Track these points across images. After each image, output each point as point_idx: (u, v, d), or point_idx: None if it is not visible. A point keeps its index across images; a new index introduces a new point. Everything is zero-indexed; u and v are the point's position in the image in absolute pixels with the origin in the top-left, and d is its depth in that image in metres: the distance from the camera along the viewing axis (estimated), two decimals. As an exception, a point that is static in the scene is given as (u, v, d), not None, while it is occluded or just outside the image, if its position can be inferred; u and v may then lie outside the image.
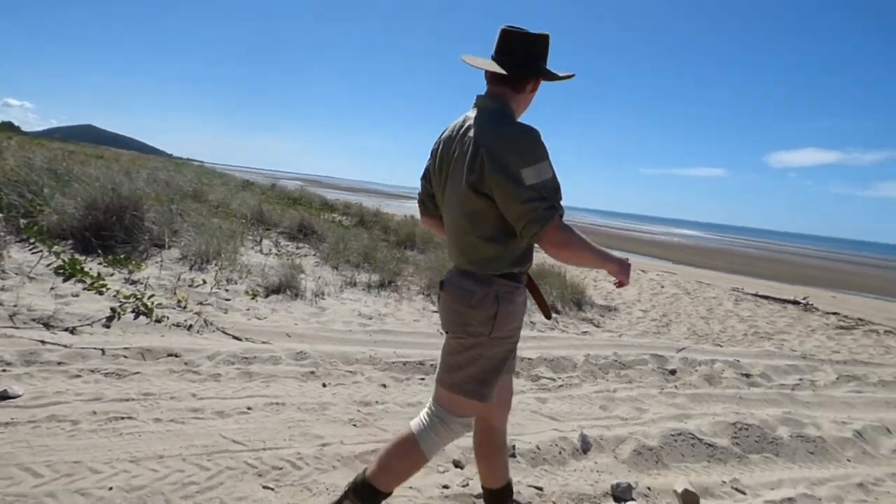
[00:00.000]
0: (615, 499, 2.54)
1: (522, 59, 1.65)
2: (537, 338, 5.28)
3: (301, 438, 2.46)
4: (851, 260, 42.62)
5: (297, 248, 7.30)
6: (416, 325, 5.00)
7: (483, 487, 2.05)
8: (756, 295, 11.86)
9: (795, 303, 11.25)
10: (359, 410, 2.88)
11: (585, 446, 3.01)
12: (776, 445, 3.48)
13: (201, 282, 4.73)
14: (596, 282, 11.18)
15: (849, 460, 3.54)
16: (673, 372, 4.92)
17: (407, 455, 1.71)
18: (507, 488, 2.04)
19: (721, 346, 6.55)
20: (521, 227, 1.54)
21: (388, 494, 1.74)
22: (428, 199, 1.93)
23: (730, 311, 9.35)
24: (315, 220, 8.88)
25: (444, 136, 1.78)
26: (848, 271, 28.46)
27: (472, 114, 1.70)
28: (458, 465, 2.57)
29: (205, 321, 3.88)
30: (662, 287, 11.45)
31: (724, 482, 2.92)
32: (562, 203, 1.57)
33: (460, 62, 1.71)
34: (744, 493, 2.86)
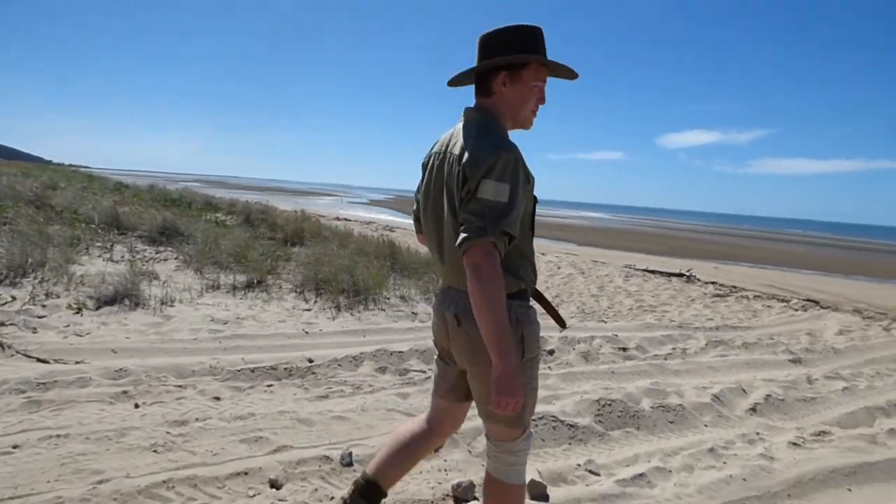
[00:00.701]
0: (456, 500, 2.33)
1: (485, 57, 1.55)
2: (415, 329, 5.05)
3: (72, 477, 2.03)
4: (732, 233, 46.53)
5: (158, 252, 6.60)
6: (279, 326, 4.60)
7: (368, 480, 1.83)
8: (645, 270, 12.42)
9: (680, 275, 11.89)
10: (168, 433, 2.47)
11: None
12: (638, 419, 3.46)
13: (9, 298, 4.04)
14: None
15: (706, 425, 3.60)
16: (551, 352, 4.87)
17: (506, 495, 1.65)
18: (383, 493, 1.87)
19: (605, 321, 6.66)
20: (459, 238, 1.44)
21: None
22: (422, 216, 1.79)
23: (619, 288, 9.65)
24: (185, 221, 8.13)
25: (433, 150, 1.69)
26: (729, 243, 30.94)
27: (459, 126, 1.61)
28: (273, 485, 2.25)
29: (1, 344, 3.27)
30: (559, 268, 11.68)
31: (580, 465, 2.81)
32: (506, 234, 1.44)
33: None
34: (598, 474, 2.76)
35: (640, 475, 2.73)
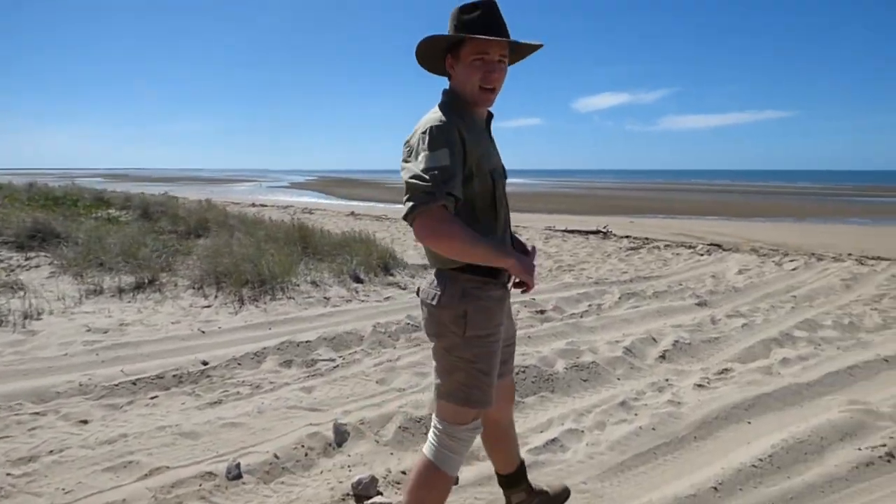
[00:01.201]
0: (357, 499, 2.17)
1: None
2: (326, 315, 4.80)
3: None
4: (645, 188, 48.94)
5: (27, 258, 5.89)
6: (172, 329, 4.21)
7: (498, 474, 2.06)
8: (564, 231, 12.69)
9: (596, 232, 12.24)
10: (9, 475, 2.12)
11: (340, 438, 2.61)
12: (552, 382, 3.44)
13: None
14: (417, 243, 11.06)
15: (618, 379, 3.64)
16: (468, 323, 4.79)
17: (431, 483, 1.61)
18: (521, 468, 2.06)
19: (524, 285, 6.69)
20: (405, 210, 1.46)
21: None
22: None
23: (540, 251, 9.78)
24: (67, 221, 7.33)
25: None
26: (642, 198, 32.48)
27: None
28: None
29: None
30: (480, 237, 11.70)
31: (492, 438, 2.73)
32: (450, 191, 1.44)
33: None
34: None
35: (553, 440, 2.69)
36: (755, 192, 40.29)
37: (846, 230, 15.34)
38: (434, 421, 1.66)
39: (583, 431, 2.80)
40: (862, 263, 8.16)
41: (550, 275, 7.65)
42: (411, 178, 1.44)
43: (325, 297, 5.46)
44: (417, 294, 1.69)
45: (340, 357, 3.86)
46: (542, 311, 5.28)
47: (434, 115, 1.54)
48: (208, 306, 4.87)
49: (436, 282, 1.61)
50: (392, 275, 7.02)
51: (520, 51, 1.68)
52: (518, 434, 2.75)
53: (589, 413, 3.05)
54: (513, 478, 2.02)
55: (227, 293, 5.16)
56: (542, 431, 2.85)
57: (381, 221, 14.66)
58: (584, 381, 3.53)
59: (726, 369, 3.80)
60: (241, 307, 4.93)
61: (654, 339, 4.33)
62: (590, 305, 5.60)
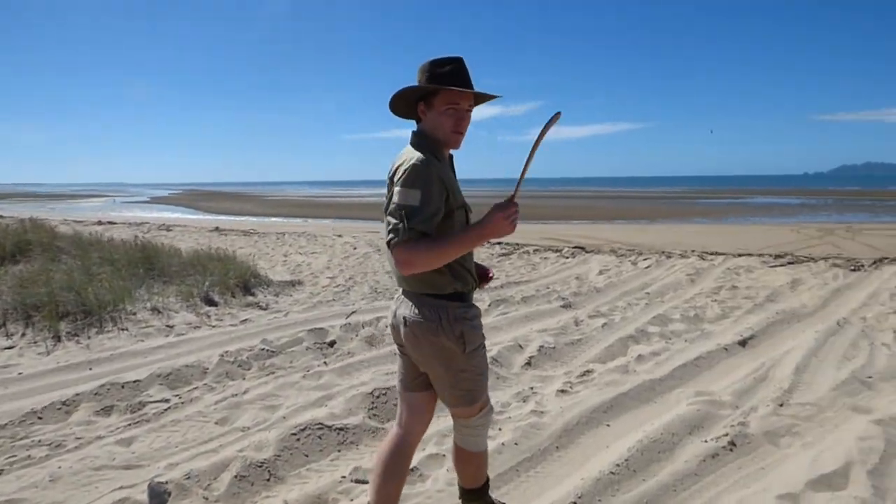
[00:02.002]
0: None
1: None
2: (166, 346, 4.20)
3: None
4: (522, 194, 51.23)
5: None
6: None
7: (460, 487, 2.11)
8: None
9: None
10: None
11: (157, 501, 2.17)
12: (415, 402, 3.22)
13: None
14: (286, 256, 10.42)
15: (485, 391, 3.53)
16: (332, 343, 4.45)
17: (473, 461, 1.98)
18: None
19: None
20: (386, 239, 1.66)
21: (486, 484, 2.07)
22: None
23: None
24: None
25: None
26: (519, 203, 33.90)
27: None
28: None
29: None
30: (355, 249, 11.31)
31: (345, 477, 2.45)
32: (422, 233, 1.61)
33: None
34: (366, 481, 2.42)
35: (412, 470, 2.46)
36: (616, 197, 44.00)
37: (691, 229, 17.12)
38: (455, 422, 1.95)
39: (444, 455, 2.61)
40: (703, 259, 9.02)
41: (425, 285, 7.52)
42: (390, 212, 1.66)
43: (167, 326, 4.80)
44: (393, 318, 1.86)
45: (177, 396, 3.34)
46: (412, 325, 5.09)
47: (415, 155, 1.70)
48: (10, 347, 4.04)
49: (427, 311, 1.76)
50: (253, 294, 6.45)
51: (479, 98, 1.86)
52: (370, 468, 2.50)
53: (451, 433, 2.87)
54: (473, 494, 2.10)
55: (38, 329, 4.34)
56: (401, 460, 2.62)
57: (249, 236, 13.71)
58: (450, 397, 3.36)
59: (588, 371, 3.86)
60: (55, 345, 4.15)
61: (520, 346, 4.31)
62: (461, 315, 5.52)
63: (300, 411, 3.06)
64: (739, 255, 9.29)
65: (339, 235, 13.75)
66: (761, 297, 6.16)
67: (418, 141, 1.77)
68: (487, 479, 2.08)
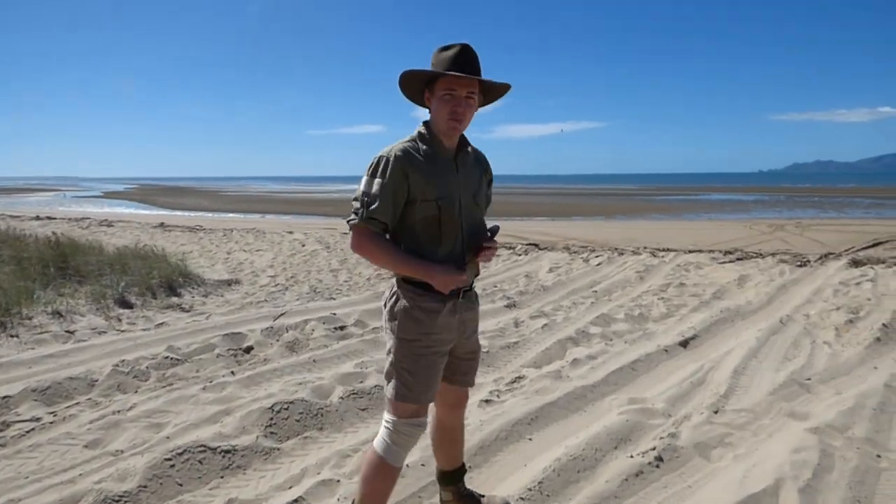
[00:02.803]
0: None
1: None
2: (57, 355, 3.76)
3: None
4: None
5: None
6: None
7: (437, 469, 2.15)
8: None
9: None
10: None
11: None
12: (322, 417, 2.91)
13: None
14: (230, 254, 9.92)
15: (405, 402, 3.23)
16: (248, 350, 4.09)
17: (378, 472, 1.79)
18: (458, 470, 2.13)
19: (335, 298, 6.13)
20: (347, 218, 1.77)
21: None
22: None
23: (362, 259, 9.27)
24: None
25: None
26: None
27: None
28: None
29: None
30: (304, 246, 10.87)
31: (217, 511, 2.12)
32: (373, 216, 1.70)
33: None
34: (242, 515, 2.10)
35: (295, 501, 2.15)
36: (576, 194, 44.39)
37: (647, 225, 17.23)
38: (384, 415, 1.83)
39: (338, 481, 2.30)
40: (655, 255, 8.94)
41: (368, 283, 7.19)
42: (354, 197, 1.74)
43: (66, 332, 4.34)
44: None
45: (51, 414, 2.93)
46: (341, 328, 4.76)
47: (395, 146, 1.76)
48: None
49: (391, 287, 1.83)
50: (178, 295, 6.00)
51: (493, 90, 1.84)
52: (254, 497, 2.18)
53: (355, 453, 2.57)
54: (448, 476, 2.12)
55: None
56: (290, 487, 2.30)
57: (195, 233, 13.09)
58: (363, 410, 3.05)
59: (519, 377, 3.61)
60: (-79, 357, 3.67)
61: (451, 350, 4.03)
62: (397, 316, 5.21)
63: (188, 430, 2.71)
64: (690, 252, 9.26)
65: (290, 232, 13.25)
66: (708, 295, 6.06)
67: (420, 130, 1.82)
68: None
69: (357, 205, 1.71)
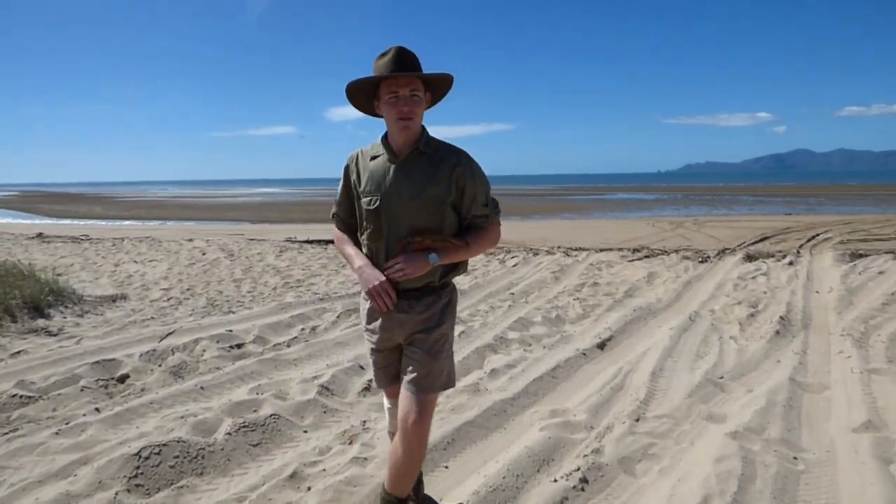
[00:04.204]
0: None
1: None
2: None
3: None
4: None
5: None
6: None
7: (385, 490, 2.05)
8: (306, 241, 11.76)
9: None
10: None
11: None
12: (203, 459, 2.46)
13: None
14: (118, 266, 8.91)
15: (305, 431, 2.85)
16: (123, 379, 3.52)
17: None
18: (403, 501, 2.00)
19: (234, 312, 5.56)
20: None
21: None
22: None
23: (269, 266, 8.66)
24: None
25: None
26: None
27: None
28: None
29: None
30: (204, 254, 10.02)
31: None
32: (334, 211, 2.01)
33: None
34: None
35: None
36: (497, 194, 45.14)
37: (559, 225, 17.68)
38: None
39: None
40: (568, 255, 9.05)
41: (273, 293, 6.65)
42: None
43: None
44: None
45: None
46: (238, 346, 4.26)
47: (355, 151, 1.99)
48: None
49: None
50: (47, 316, 5.19)
51: (437, 86, 1.85)
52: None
53: (241, 503, 2.17)
54: (392, 499, 2.02)
55: None
56: (153, 559, 1.87)
57: (78, 244, 11.74)
58: (254, 446, 2.64)
59: (435, 393, 3.33)
60: None
61: (361, 367, 3.69)
62: (302, 329, 4.78)
63: (27, 491, 2.18)
64: (601, 250, 9.47)
65: (190, 239, 12.24)
66: (620, 293, 6.12)
67: (381, 137, 1.90)
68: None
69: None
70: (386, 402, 2.16)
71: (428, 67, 1.80)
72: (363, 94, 1.84)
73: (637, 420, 2.94)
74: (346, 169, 1.92)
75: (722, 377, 3.60)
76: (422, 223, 1.81)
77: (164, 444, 2.43)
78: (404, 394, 1.84)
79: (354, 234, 1.96)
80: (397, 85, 1.75)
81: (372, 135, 1.91)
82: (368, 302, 1.91)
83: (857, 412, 3.00)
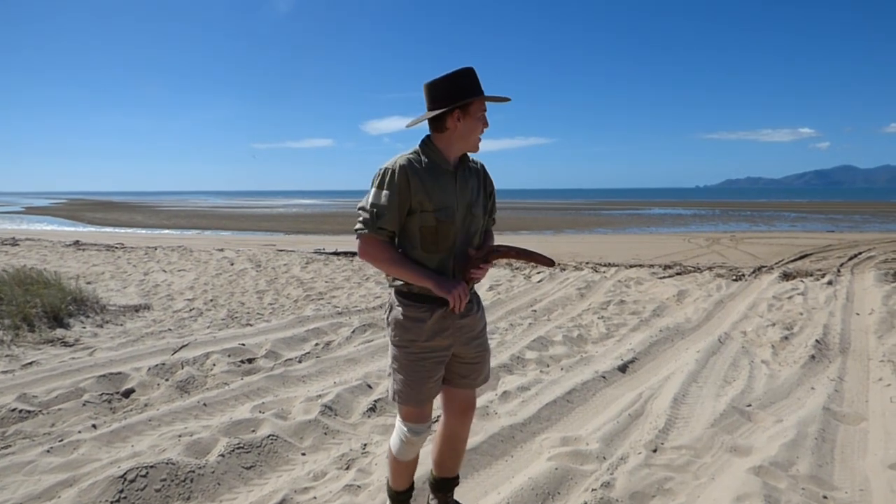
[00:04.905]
0: None
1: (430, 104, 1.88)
2: None
3: None
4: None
5: None
6: None
7: (431, 473, 2.16)
8: (334, 253, 11.82)
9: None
10: None
11: None
12: (191, 483, 2.39)
13: None
14: (147, 275, 9.09)
15: (304, 454, 2.75)
16: (129, 393, 3.50)
17: (393, 463, 2.03)
18: (451, 480, 2.15)
19: (251, 324, 5.55)
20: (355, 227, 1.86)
21: (398, 491, 2.09)
22: None
23: (293, 277, 8.69)
24: None
25: None
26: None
27: None
28: None
29: None
30: (232, 264, 10.15)
31: None
32: (381, 226, 1.80)
33: None
34: None
35: None
36: (525, 208, 44.88)
37: (591, 239, 17.34)
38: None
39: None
40: (596, 271, 8.79)
41: (294, 306, 6.63)
42: (359, 207, 1.85)
43: None
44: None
45: None
46: (249, 360, 4.22)
47: (397, 157, 1.86)
48: None
49: (389, 295, 1.95)
50: (66, 326, 5.28)
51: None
52: None
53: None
54: (440, 483, 2.14)
55: None
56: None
57: (112, 252, 12.07)
58: (248, 468, 2.55)
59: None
60: None
61: (368, 386, 3.59)
62: (316, 345, 4.72)
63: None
64: (631, 267, 9.18)
65: (220, 249, 12.44)
66: (647, 312, 5.87)
67: (423, 144, 1.89)
68: (398, 494, 2.08)
69: (366, 215, 1.81)
70: (411, 429, 1.93)
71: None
72: (449, 102, 1.83)
73: (654, 451, 2.74)
74: (402, 182, 1.79)
75: (750, 405, 3.35)
76: (477, 230, 1.94)
77: (151, 466, 2.37)
78: (465, 393, 2.03)
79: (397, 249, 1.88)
80: (485, 105, 1.89)
81: (408, 147, 1.91)
82: (431, 316, 1.85)
83: (895, 447, 2.74)
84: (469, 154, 1.96)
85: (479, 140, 1.91)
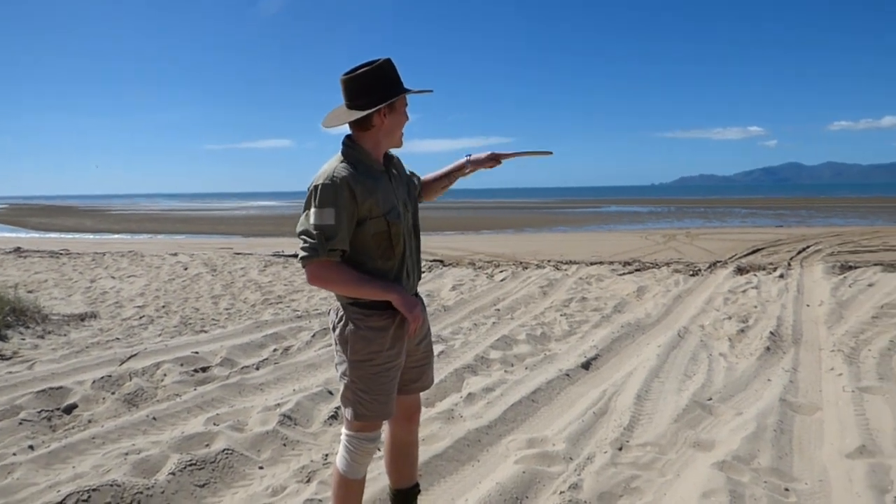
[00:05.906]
0: None
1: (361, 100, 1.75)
2: None
3: None
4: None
5: None
6: None
7: (390, 488, 2.11)
8: (292, 255, 11.53)
9: (326, 255, 11.36)
10: None
11: None
12: (138, 504, 2.23)
13: None
14: (93, 282, 8.65)
15: (261, 468, 2.63)
16: (70, 409, 3.28)
17: (341, 487, 1.85)
18: (412, 489, 2.09)
19: (206, 331, 5.33)
20: (299, 255, 1.70)
21: None
22: None
23: (250, 281, 8.43)
24: None
25: None
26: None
27: None
28: None
29: None
30: (186, 269, 9.77)
31: None
32: (333, 247, 1.66)
33: None
34: None
35: None
36: (487, 207, 45.20)
37: (552, 237, 17.54)
38: (342, 430, 1.87)
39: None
40: (558, 269, 8.86)
41: (251, 311, 6.42)
42: (300, 233, 1.69)
43: None
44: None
45: None
46: (203, 369, 4.03)
47: (328, 169, 1.72)
48: None
49: (337, 311, 1.83)
50: (2, 338, 4.94)
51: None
52: None
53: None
54: (401, 495, 2.07)
55: None
56: None
57: (57, 258, 11.46)
58: (200, 486, 2.41)
59: (405, 421, 3.11)
60: None
61: (329, 392, 3.47)
62: (274, 350, 4.56)
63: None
64: (592, 264, 9.30)
65: (174, 254, 11.98)
66: (609, 309, 5.93)
67: (347, 149, 1.78)
68: None
69: (312, 240, 1.65)
70: (368, 437, 1.82)
71: (420, 80, 1.53)
72: (377, 99, 1.74)
73: (620, 449, 2.74)
74: (347, 195, 1.67)
75: (710, 399, 3.40)
76: (416, 222, 1.89)
77: (94, 489, 2.20)
78: (412, 398, 2.00)
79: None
80: (406, 99, 1.82)
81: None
82: (393, 322, 1.77)
83: (850, 436, 2.82)
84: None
85: (402, 135, 1.86)
